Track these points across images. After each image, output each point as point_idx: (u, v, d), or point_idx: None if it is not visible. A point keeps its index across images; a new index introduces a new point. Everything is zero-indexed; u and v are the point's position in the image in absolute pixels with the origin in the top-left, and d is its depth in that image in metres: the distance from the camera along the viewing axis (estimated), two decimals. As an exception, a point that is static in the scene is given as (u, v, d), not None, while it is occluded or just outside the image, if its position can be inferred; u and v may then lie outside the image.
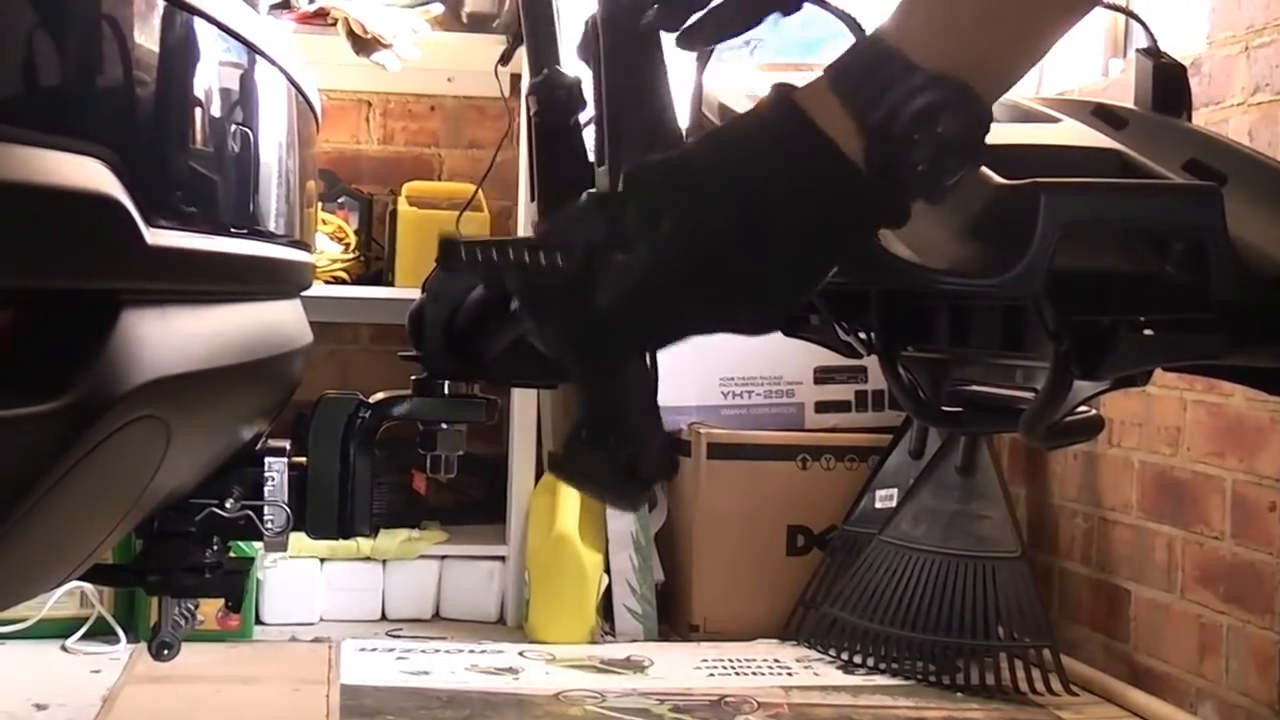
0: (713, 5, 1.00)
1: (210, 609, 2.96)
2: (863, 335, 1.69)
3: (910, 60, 0.80)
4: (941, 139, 0.80)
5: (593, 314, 0.84)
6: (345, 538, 1.75)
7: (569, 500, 3.23)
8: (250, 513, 1.66)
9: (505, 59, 3.29)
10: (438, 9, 3.50)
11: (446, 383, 1.71)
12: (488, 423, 1.76)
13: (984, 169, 1.24)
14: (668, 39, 1.40)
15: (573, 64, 1.80)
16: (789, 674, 3.02)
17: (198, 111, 1.17)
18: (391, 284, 3.42)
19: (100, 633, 3.01)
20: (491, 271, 0.88)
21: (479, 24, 3.54)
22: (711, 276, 0.82)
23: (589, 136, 1.80)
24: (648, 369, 0.93)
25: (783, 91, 0.83)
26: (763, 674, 3.01)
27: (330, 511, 1.71)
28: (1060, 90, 3.08)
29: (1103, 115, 1.51)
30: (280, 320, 1.57)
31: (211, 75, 1.20)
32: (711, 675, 3.00)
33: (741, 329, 0.87)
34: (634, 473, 0.92)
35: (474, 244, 0.87)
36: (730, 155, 0.84)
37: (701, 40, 1.06)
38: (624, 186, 0.85)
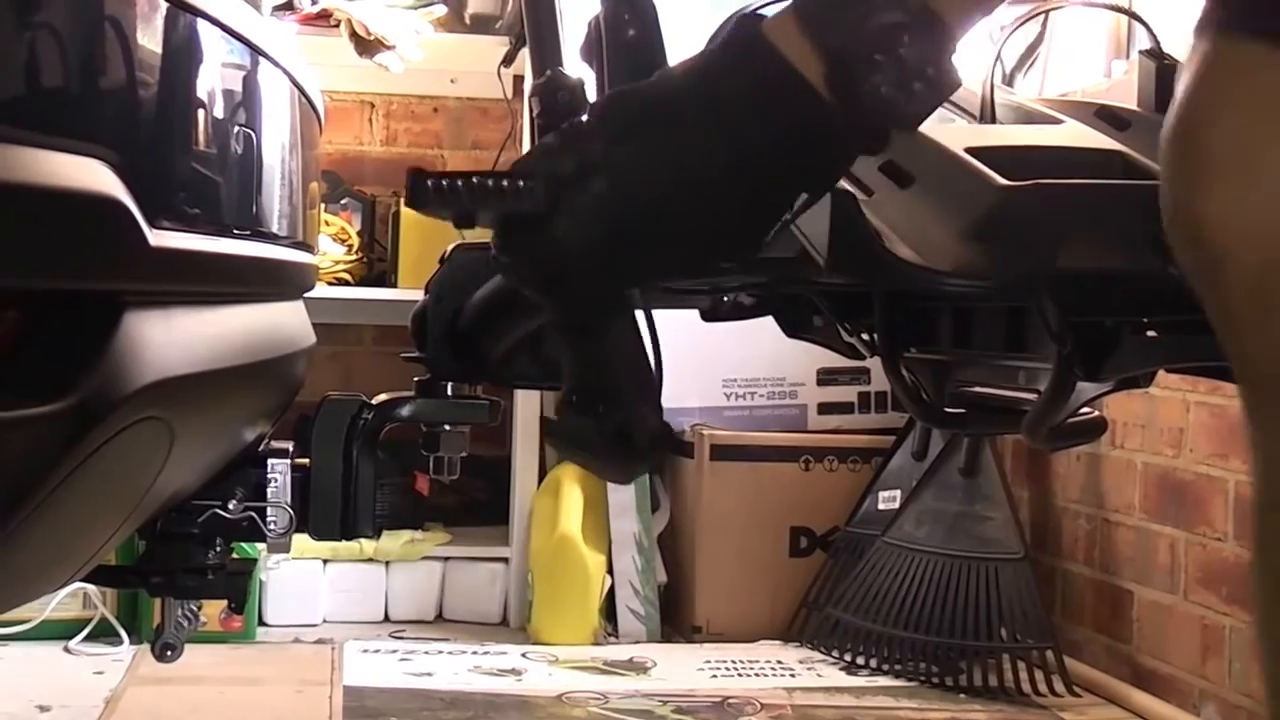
0: None
1: (213, 610, 2.96)
2: (866, 337, 1.69)
3: None
4: (904, 60, 0.77)
5: (559, 245, 0.83)
6: (348, 539, 1.75)
7: (572, 502, 3.23)
8: (253, 514, 1.66)
9: (508, 60, 3.29)
10: (440, 10, 3.51)
11: (450, 384, 1.71)
12: (491, 424, 1.76)
13: (987, 170, 1.25)
14: (668, 42, 1.40)
15: (576, 65, 1.80)
16: (792, 675, 3.01)
17: (200, 113, 1.17)
18: (394, 285, 3.42)
19: (103, 634, 3.01)
20: (461, 204, 0.86)
21: (482, 25, 3.54)
22: (679, 209, 0.81)
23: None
24: (636, 332, 0.92)
25: (750, 21, 0.82)
26: (766, 675, 3.01)
27: (333, 513, 1.71)
28: (1063, 91, 3.07)
29: (1106, 117, 1.51)
30: (283, 322, 1.57)
31: (214, 77, 1.20)
32: (714, 677, 2.99)
33: (707, 262, 0.85)
34: (626, 441, 0.90)
35: (442, 176, 0.86)
36: (694, 87, 0.82)
37: None
38: (594, 117, 0.84)
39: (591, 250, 0.83)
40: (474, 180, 0.84)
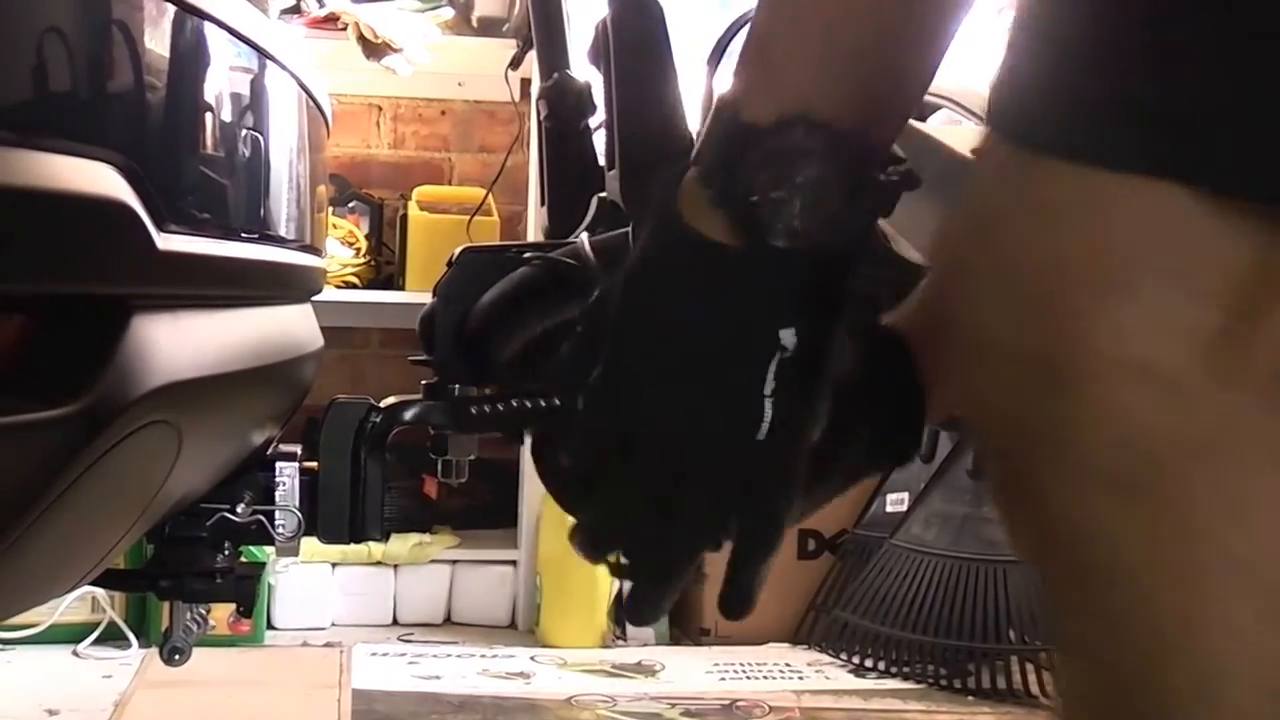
0: None
1: (222, 614, 2.96)
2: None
3: (747, 121, 0.72)
4: (802, 186, 0.71)
5: (582, 442, 0.80)
6: (356, 542, 1.75)
7: (580, 504, 3.23)
8: (262, 518, 1.66)
9: (515, 63, 3.30)
10: (448, 13, 3.51)
11: (458, 387, 1.71)
12: (498, 427, 1.76)
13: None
14: (675, 44, 1.40)
15: (583, 68, 1.80)
16: (800, 678, 3.01)
17: (208, 116, 1.17)
18: (402, 288, 3.42)
19: (112, 638, 3.02)
20: (503, 425, 0.90)
21: (489, 28, 3.54)
22: (663, 397, 0.75)
23: (599, 140, 1.80)
24: None
25: (669, 185, 0.76)
26: (774, 678, 3.01)
27: (341, 516, 1.71)
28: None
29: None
30: (291, 325, 1.57)
31: (222, 80, 1.20)
32: (723, 679, 2.99)
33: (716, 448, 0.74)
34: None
35: (484, 401, 0.91)
36: (630, 280, 0.77)
37: None
38: (583, 322, 0.81)
39: (604, 444, 0.80)
40: (513, 403, 0.87)
